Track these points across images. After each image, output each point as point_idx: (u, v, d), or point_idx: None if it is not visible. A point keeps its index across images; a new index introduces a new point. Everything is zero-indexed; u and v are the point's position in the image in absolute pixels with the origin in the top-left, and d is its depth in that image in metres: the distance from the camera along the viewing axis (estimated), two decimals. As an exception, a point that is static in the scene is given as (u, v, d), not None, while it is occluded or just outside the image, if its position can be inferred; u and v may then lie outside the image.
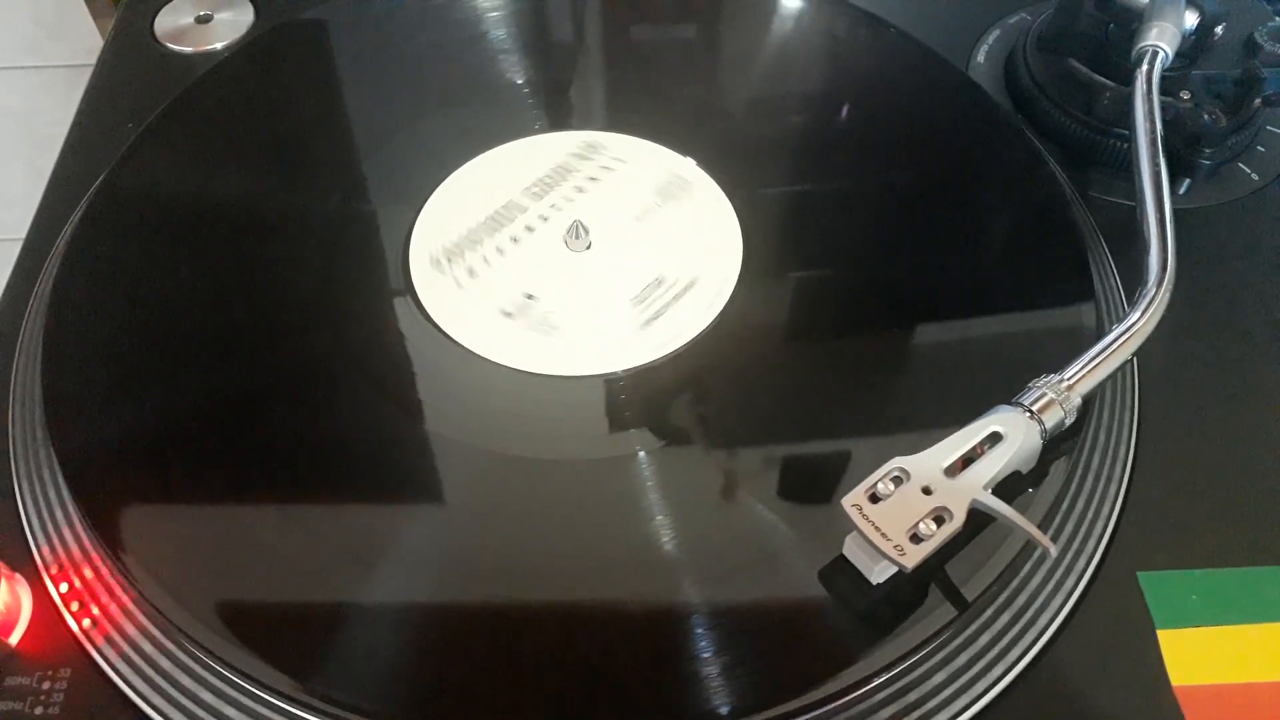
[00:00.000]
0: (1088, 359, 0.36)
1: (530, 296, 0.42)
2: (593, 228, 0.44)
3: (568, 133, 0.48)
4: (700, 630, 0.33)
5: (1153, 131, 0.42)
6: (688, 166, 0.46)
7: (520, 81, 0.51)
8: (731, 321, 0.41)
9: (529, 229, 0.44)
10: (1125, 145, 0.46)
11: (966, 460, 0.33)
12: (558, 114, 0.49)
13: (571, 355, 0.40)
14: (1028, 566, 0.35)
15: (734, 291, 0.42)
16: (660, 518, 0.36)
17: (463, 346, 0.40)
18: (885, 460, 0.33)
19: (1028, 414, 0.34)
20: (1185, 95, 0.46)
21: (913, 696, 0.32)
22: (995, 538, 0.34)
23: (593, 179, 0.46)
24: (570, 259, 0.43)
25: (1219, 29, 0.46)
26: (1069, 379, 0.35)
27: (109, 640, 0.34)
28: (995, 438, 0.34)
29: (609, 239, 0.44)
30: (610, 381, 0.40)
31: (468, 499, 0.37)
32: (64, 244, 0.44)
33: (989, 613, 0.34)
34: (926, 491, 0.32)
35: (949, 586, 0.33)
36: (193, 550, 0.35)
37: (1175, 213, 0.40)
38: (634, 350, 0.40)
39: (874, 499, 0.32)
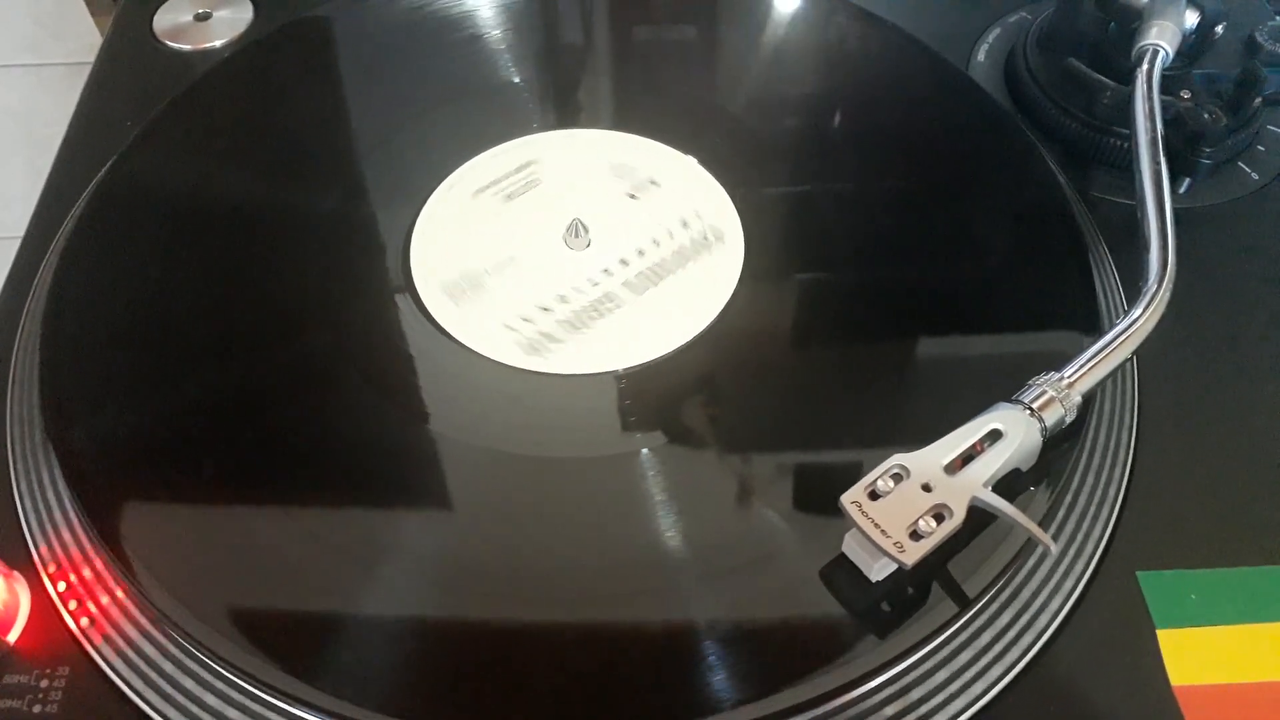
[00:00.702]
0: (1088, 357, 0.36)
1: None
2: (595, 230, 0.44)
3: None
4: (700, 628, 0.33)
5: (1153, 130, 0.42)
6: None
7: (520, 81, 0.51)
8: (732, 320, 0.41)
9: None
10: (1125, 144, 0.46)
11: (966, 458, 0.33)
12: (560, 113, 0.49)
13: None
14: (1028, 565, 0.35)
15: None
16: (660, 516, 0.35)
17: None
18: (885, 457, 0.33)
19: (1028, 411, 0.34)
20: (1185, 94, 0.46)
21: (913, 695, 0.32)
22: (995, 535, 0.34)
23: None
24: (569, 256, 0.43)
25: (1219, 28, 0.46)
26: (1069, 377, 0.35)
27: (107, 639, 0.34)
28: (995, 435, 0.34)
29: (608, 238, 0.44)
30: (611, 380, 0.39)
31: (468, 496, 0.37)
32: (62, 242, 0.44)
33: (989, 611, 0.34)
34: (926, 489, 0.32)
35: (949, 584, 0.33)
36: (192, 548, 0.35)
37: (1175, 212, 0.40)
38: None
39: (873, 496, 0.32)
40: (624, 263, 0.43)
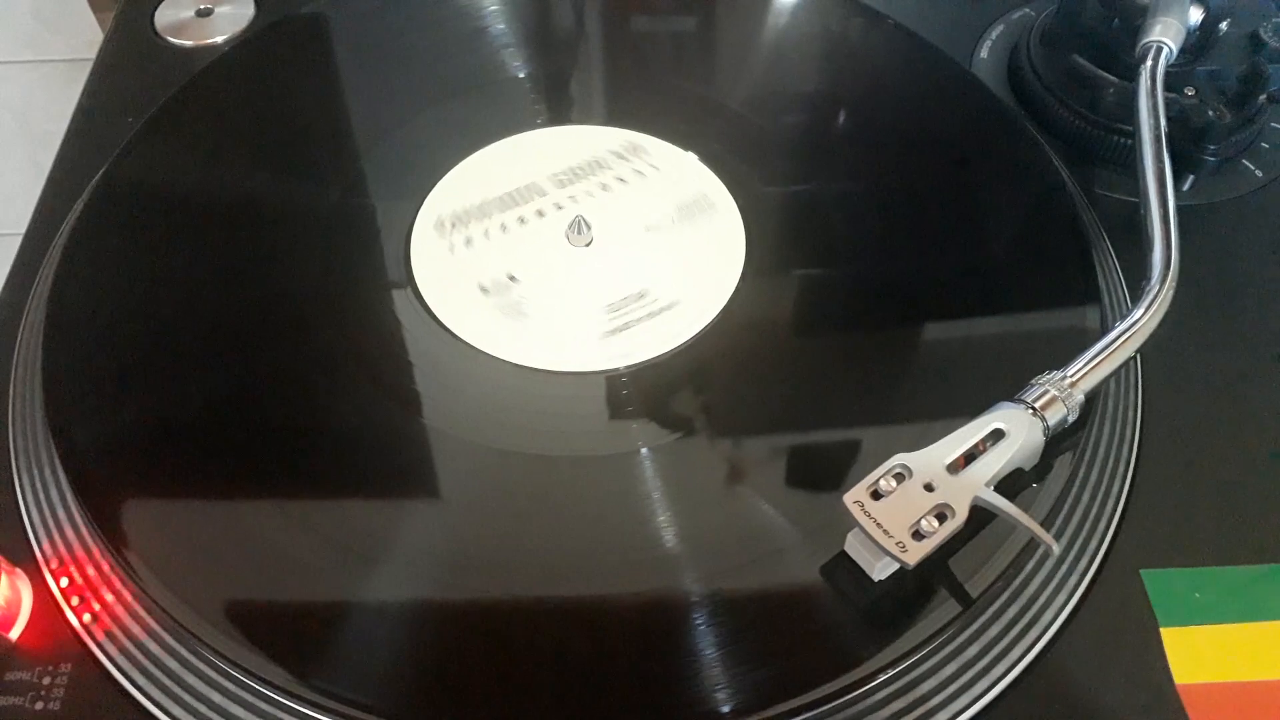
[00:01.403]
0: (1091, 356, 0.36)
1: (512, 278, 0.42)
2: (597, 226, 0.44)
3: (608, 128, 0.48)
4: (703, 627, 0.33)
5: (1157, 128, 0.42)
6: (715, 186, 0.46)
7: (523, 75, 0.50)
8: (734, 317, 0.41)
9: (540, 213, 0.44)
10: (1129, 141, 0.46)
11: (969, 457, 0.33)
12: (559, 108, 0.49)
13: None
14: (1030, 564, 0.35)
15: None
16: (662, 514, 0.35)
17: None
18: (887, 457, 0.33)
19: (1030, 411, 0.34)
20: (1189, 91, 0.46)
21: (916, 693, 0.32)
22: (998, 535, 0.34)
23: (621, 180, 0.46)
24: (568, 253, 0.43)
25: (1223, 25, 0.46)
26: (1072, 376, 0.35)
27: (109, 635, 0.34)
28: (998, 434, 0.34)
29: (611, 240, 0.44)
30: (611, 379, 0.39)
31: (468, 495, 0.37)
32: (64, 238, 0.44)
33: (992, 610, 0.34)
34: (928, 488, 0.32)
35: (951, 584, 0.33)
36: (193, 545, 0.35)
37: (1179, 209, 0.40)
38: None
39: (876, 496, 0.32)
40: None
